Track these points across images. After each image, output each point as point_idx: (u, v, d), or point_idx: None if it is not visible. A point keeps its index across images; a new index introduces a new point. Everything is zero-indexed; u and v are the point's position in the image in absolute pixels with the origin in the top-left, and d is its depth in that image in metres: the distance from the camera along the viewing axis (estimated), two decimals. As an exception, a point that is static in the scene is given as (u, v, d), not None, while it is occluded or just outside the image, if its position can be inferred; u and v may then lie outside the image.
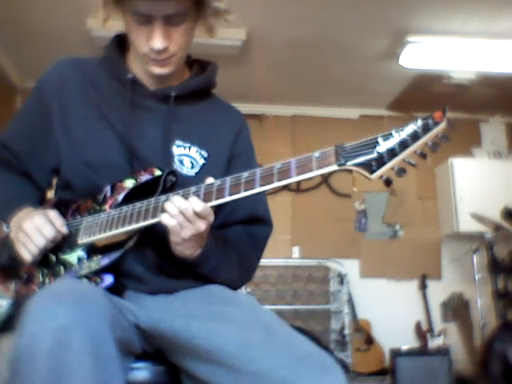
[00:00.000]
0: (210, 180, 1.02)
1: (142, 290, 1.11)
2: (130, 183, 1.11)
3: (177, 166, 1.15)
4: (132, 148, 1.14)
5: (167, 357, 1.06)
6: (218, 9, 1.13)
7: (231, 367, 0.91)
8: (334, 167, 0.93)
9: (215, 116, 1.26)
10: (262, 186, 0.96)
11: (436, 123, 0.90)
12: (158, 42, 1.07)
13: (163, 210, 1.00)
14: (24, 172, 1.25)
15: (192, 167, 1.17)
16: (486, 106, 4.60)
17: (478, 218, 3.79)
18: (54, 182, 1.27)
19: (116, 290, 1.06)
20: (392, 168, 0.90)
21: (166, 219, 1.00)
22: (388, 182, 0.91)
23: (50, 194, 1.28)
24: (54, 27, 3.34)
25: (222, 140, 1.23)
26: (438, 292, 4.37)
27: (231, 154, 1.23)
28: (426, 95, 4.30)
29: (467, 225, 4.05)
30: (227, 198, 0.99)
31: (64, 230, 1.10)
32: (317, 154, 0.95)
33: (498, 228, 3.71)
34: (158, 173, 1.10)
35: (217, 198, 0.99)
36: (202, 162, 1.18)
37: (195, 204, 0.99)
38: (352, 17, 3.26)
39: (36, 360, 0.78)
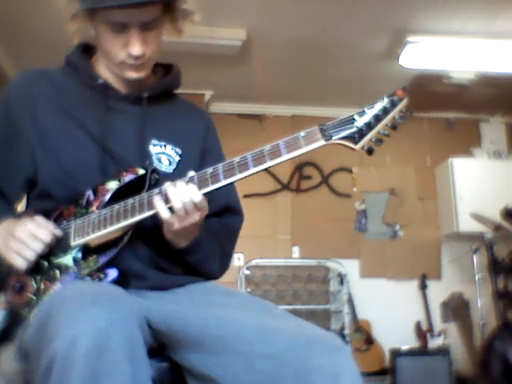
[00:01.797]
0: (191, 173, 1.06)
1: (143, 287, 1.11)
2: (113, 184, 1.12)
3: (156, 164, 1.18)
4: (109, 150, 1.15)
5: (171, 355, 1.06)
6: (186, 11, 1.16)
7: (246, 354, 0.93)
8: (322, 142, 1.03)
9: (183, 114, 1.31)
10: (255, 166, 1.03)
11: (400, 99, 1.06)
12: (136, 49, 1.11)
13: (167, 201, 1.03)
14: None
15: (169, 164, 1.20)
16: (486, 106, 4.60)
17: (478, 217, 3.79)
18: (25, 194, 1.24)
19: (120, 285, 1.05)
20: (370, 139, 1.03)
21: (163, 212, 1.03)
22: (370, 151, 1.04)
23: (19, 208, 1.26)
24: (54, 27, 3.33)
25: (192, 137, 1.28)
26: (438, 292, 4.37)
27: (202, 149, 1.28)
28: (426, 95, 4.30)
29: (467, 225, 4.05)
30: (223, 182, 1.03)
31: (58, 232, 1.10)
32: (303, 134, 1.04)
33: (497, 228, 3.71)
34: (141, 172, 1.12)
35: (213, 183, 1.04)
36: (177, 158, 1.22)
37: (195, 195, 1.02)
38: (352, 17, 3.26)
39: (74, 362, 0.77)
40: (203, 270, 1.19)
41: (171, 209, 1.03)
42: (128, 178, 1.12)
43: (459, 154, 4.42)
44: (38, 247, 1.06)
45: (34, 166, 1.16)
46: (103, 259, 1.06)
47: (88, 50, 1.26)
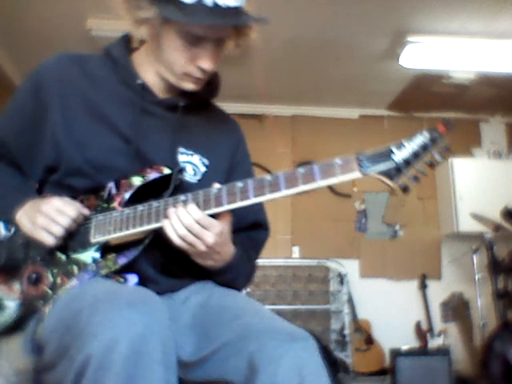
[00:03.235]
0: (216, 185, 1.04)
1: (154, 291, 1.10)
2: (137, 181, 1.10)
3: None
4: (139, 151, 1.13)
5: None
6: (251, 28, 1.20)
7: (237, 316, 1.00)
8: (357, 174, 0.98)
9: (216, 126, 1.28)
10: (287, 189, 1.00)
11: (441, 135, 1.01)
12: (209, 64, 1.10)
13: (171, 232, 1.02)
14: (15, 164, 1.22)
15: (194, 174, 1.17)
16: (486, 106, 4.60)
17: (478, 218, 3.79)
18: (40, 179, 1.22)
19: None
20: (407, 177, 0.99)
21: (176, 240, 1.02)
22: (405, 189, 0.99)
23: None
24: (54, 27, 3.34)
25: (222, 149, 1.25)
26: (438, 292, 4.37)
27: (231, 163, 1.25)
28: (426, 95, 4.30)
29: (467, 225, 4.05)
30: (252, 200, 1.01)
31: (85, 211, 1.09)
32: (339, 161, 1.00)
33: (497, 228, 3.71)
34: (166, 171, 1.10)
35: (242, 199, 1.01)
36: (203, 169, 1.19)
37: (195, 215, 1.01)
38: (352, 17, 3.26)
39: (111, 366, 0.77)
40: (230, 287, 1.18)
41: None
42: (152, 175, 1.10)
43: (459, 154, 4.42)
44: (66, 222, 1.05)
45: (57, 154, 1.13)
46: (122, 260, 1.05)
47: (129, 42, 1.21)
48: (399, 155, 0.99)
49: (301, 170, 1.01)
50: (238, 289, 1.20)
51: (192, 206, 1.01)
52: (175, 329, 1.03)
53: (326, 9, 3.17)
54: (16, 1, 3.08)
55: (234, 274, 1.16)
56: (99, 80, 1.18)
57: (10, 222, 1.14)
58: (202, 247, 1.02)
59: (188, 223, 1.00)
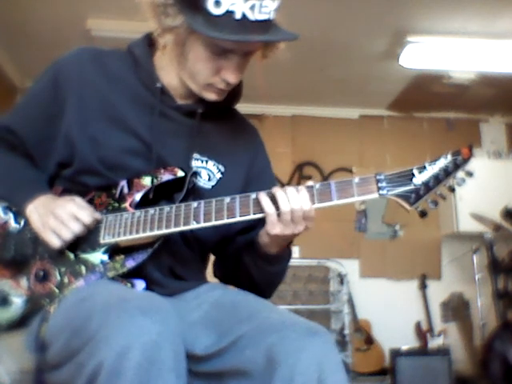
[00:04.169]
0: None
1: (161, 294, 1.07)
2: (149, 181, 1.09)
3: None
4: (154, 153, 1.12)
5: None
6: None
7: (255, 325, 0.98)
8: (375, 195, 0.99)
9: (234, 133, 1.25)
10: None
11: (464, 160, 0.99)
12: (234, 77, 1.08)
13: (273, 200, 1.01)
14: (28, 155, 1.20)
15: (209, 180, 1.16)
16: (486, 106, 4.60)
17: (478, 218, 3.79)
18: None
19: None
20: (426, 200, 0.98)
21: (270, 212, 1.01)
22: (423, 214, 0.98)
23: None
24: (54, 27, 3.34)
25: (239, 156, 1.23)
26: (438, 292, 4.37)
27: (249, 172, 1.23)
28: (426, 95, 4.30)
29: (467, 225, 4.06)
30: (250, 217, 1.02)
31: (98, 215, 1.08)
32: (357, 180, 1.00)
33: (498, 228, 3.71)
34: (180, 174, 1.09)
35: (254, 213, 1.02)
36: (219, 175, 1.17)
37: (305, 203, 1.01)
38: (352, 17, 3.26)
39: (124, 374, 0.77)
40: (272, 283, 1.19)
41: (278, 214, 1.01)
42: (166, 177, 1.08)
43: (459, 154, 4.42)
44: (78, 228, 1.04)
45: (71, 151, 1.12)
46: (130, 263, 1.04)
47: (152, 42, 1.17)
48: (420, 178, 0.98)
49: (317, 185, 1.01)
50: (278, 283, 1.21)
51: (304, 193, 1.02)
52: (187, 325, 1.03)
53: (326, 9, 3.17)
54: (16, 1, 3.08)
55: (283, 266, 1.17)
56: (118, 79, 1.16)
57: (20, 213, 1.13)
58: (287, 231, 1.03)
59: (297, 207, 1.01)
